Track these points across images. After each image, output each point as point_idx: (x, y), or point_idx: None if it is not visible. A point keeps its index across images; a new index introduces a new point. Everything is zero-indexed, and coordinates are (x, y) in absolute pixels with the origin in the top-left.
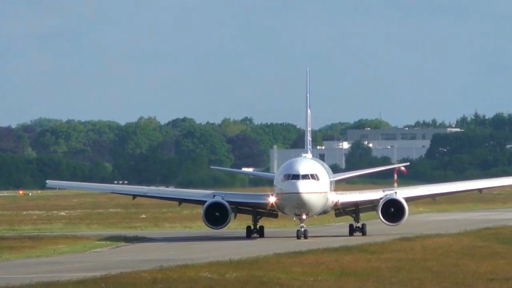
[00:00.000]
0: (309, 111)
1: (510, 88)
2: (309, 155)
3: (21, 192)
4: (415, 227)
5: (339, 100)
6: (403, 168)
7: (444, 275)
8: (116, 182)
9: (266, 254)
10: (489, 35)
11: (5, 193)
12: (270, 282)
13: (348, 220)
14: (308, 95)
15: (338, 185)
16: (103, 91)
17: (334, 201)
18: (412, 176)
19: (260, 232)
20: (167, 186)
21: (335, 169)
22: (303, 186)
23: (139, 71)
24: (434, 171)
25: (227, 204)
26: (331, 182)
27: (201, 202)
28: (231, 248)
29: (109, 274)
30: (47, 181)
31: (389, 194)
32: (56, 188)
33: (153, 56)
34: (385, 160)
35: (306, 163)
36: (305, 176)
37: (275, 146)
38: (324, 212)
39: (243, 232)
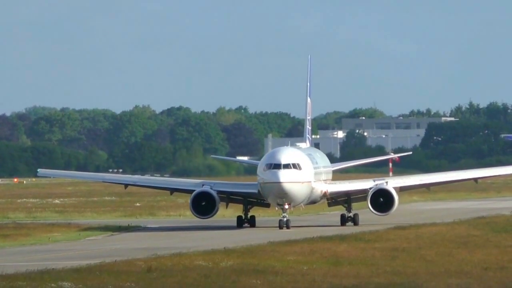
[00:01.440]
0: (309, 99)
1: (504, 78)
2: (303, 144)
3: (15, 180)
4: (409, 216)
5: (334, 89)
6: (396, 157)
7: (439, 264)
8: (110, 170)
9: (261, 243)
10: (483, 24)
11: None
12: (265, 270)
13: (342, 209)
14: (308, 84)
15: (337, 175)
16: (98, 80)
17: (323, 191)
18: (406, 165)
19: (251, 222)
20: (161, 175)
21: (329, 158)
22: (284, 176)
23: (134, 60)
24: (429, 160)
25: (214, 194)
26: (324, 172)
27: (191, 191)
28: (225, 236)
29: (103, 262)
30: (38, 170)
31: (379, 184)
32: (51, 177)
33: (148, 45)
34: (380, 149)
35: (288, 153)
36: (286, 166)
37: (270, 135)
38: (313, 202)
39: (234, 221)
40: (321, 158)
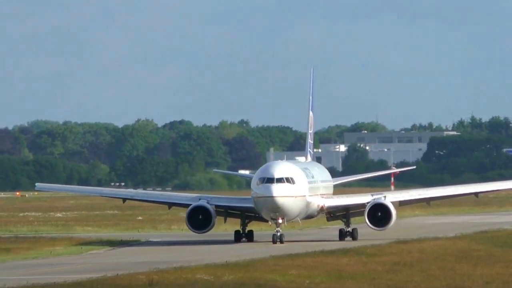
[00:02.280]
0: (311, 113)
1: (507, 92)
2: (302, 158)
3: (18, 193)
4: (411, 230)
5: (336, 103)
6: (397, 171)
7: (441, 278)
8: (112, 184)
9: (262, 256)
10: (485, 38)
11: (2, 194)
12: (267, 284)
13: (342, 224)
14: (310, 97)
15: (339, 189)
16: (100, 93)
17: (320, 205)
18: (408, 179)
19: (249, 237)
20: (163, 189)
21: (331, 172)
22: (276, 190)
23: (137, 73)
24: (431, 175)
25: (210, 208)
26: (321, 186)
27: (187, 206)
28: (226, 250)
29: (105, 276)
30: (36, 184)
31: (376, 198)
32: (48, 191)
33: (150, 58)
34: (382, 163)
35: (282, 167)
36: (279, 180)
37: (271, 149)
38: (310, 216)
39: (233, 235)
40: (320, 172)
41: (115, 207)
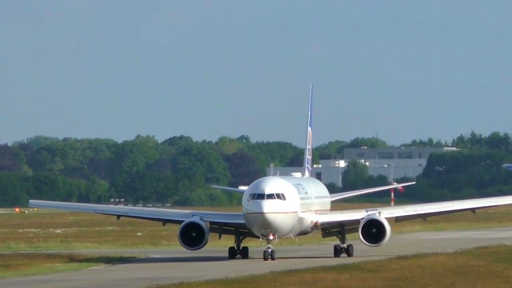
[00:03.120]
0: (309, 129)
1: (506, 108)
2: (298, 174)
3: (17, 209)
4: (411, 246)
5: (336, 119)
6: (400, 187)
7: None
8: (112, 200)
9: (262, 272)
10: (485, 54)
11: (1, 210)
12: None
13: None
14: (309, 113)
15: (338, 204)
16: (100, 109)
17: (314, 221)
18: (408, 195)
19: (244, 253)
20: (163, 204)
21: (331, 187)
22: (267, 206)
23: (136, 89)
24: (431, 190)
25: (203, 224)
26: (316, 202)
27: (181, 222)
28: (226, 266)
29: None
30: (30, 201)
31: (371, 214)
32: (42, 208)
33: (150, 74)
34: (382, 179)
35: (272, 183)
36: (270, 196)
37: (271, 165)
38: (304, 232)
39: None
40: (315, 188)
41: (114, 223)
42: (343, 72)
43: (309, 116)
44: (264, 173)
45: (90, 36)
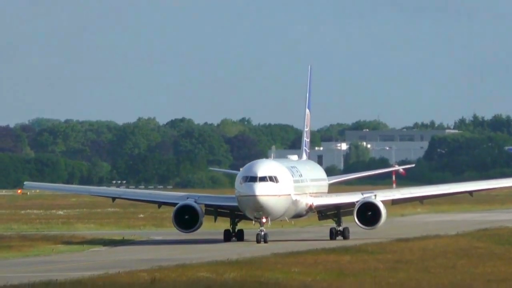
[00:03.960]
0: (307, 111)
1: (509, 90)
2: (295, 157)
3: (19, 191)
4: (413, 228)
5: (338, 101)
6: (401, 170)
7: (442, 276)
8: (114, 182)
9: (264, 254)
10: (488, 36)
11: (3, 192)
12: (268, 282)
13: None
14: (308, 95)
15: (338, 187)
16: (101, 91)
17: (309, 204)
18: (410, 177)
19: (239, 236)
20: (165, 187)
21: (332, 170)
22: (259, 189)
23: (138, 71)
24: (433, 173)
25: (197, 207)
26: (311, 185)
27: (175, 205)
28: (228, 248)
29: (107, 273)
30: (24, 183)
31: (366, 197)
32: (37, 190)
33: (152, 57)
34: (383, 162)
35: (265, 165)
36: (262, 178)
37: (273, 147)
38: (299, 215)
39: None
40: (311, 171)
41: (116, 205)
42: (345, 55)
43: (307, 98)
44: (266, 156)
45: (92, 18)
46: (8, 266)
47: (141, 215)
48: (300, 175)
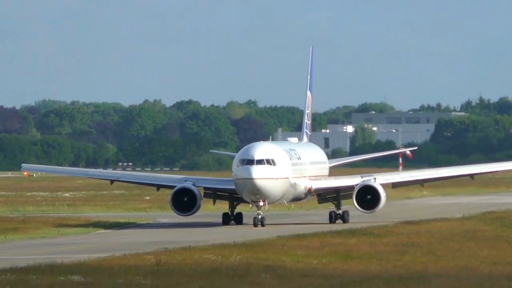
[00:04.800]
0: (309, 93)
1: None
2: (294, 139)
3: (25, 173)
4: (419, 211)
5: (344, 83)
6: (408, 152)
7: (448, 259)
8: (120, 164)
9: (270, 237)
10: (494, 18)
11: (9, 174)
12: (274, 264)
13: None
14: (309, 76)
15: (341, 169)
16: (107, 73)
17: (307, 187)
18: (416, 160)
19: (238, 219)
20: (171, 169)
21: (339, 152)
22: (256, 172)
23: (144, 53)
24: (439, 155)
25: (196, 190)
26: (310, 168)
27: (173, 187)
28: (233, 230)
29: (113, 255)
30: (22, 165)
31: (365, 180)
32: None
33: (158, 38)
34: (390, 144)
35: (262, 148)
36: (260, 161)
37: (279, 129)
38: (298, 198)
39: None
40: (310, 153)
41: (122, 187)
42: (352, 37)
43: (308, 80)
44: (272, 138)
45: (98, 0)
46: (14, 248)
47: (147, 197)
48: (299, 158)
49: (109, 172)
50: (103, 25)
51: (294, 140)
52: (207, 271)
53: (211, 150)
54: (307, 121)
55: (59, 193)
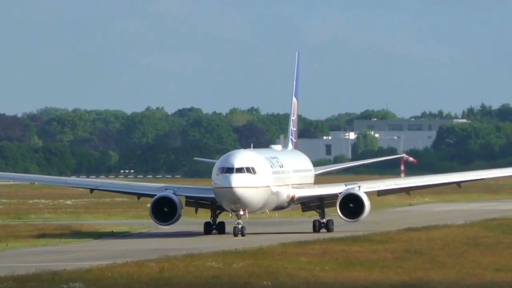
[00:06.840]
0: (294, 99)
1: None
2: (278, 147)
3: None
4: (421, 218)
5: (346, 91)
6: (411, 159)
7: (450, 266)
8: (122, 171)
9: (271, 244)
10: (496, 25)
11: (11, 181)
12: (276, 272)
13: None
14: (295, 82)
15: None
16: (110, 81)
17: (290, 196)
18: (418, 167)
19: (220, 229)
20: (173, 176)
21: (340, 159)
22: (236, 180)
23: (147, 61)
24: (441, 162)
25: (176, 199)
26: (294, 176)
27: (154, 196)
28: (235, 238)
29: (115, 263)
30: None
31: (349, 188)
32: (10, 180)
33: (160, 46)
34: (392, 151)
35: (242, 156)
36: (239, 170)
37: (281, 136)
38: (281, 207)
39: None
40: (294, 161)
41: (124, 195)
42: (354, 45)
43: (294, 86)
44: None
45: (100, 8)
46: (16, 256)
47: (149, 205)
48: (281, 166)
49: (88, 180)
50: (105, 33)
51: (278, 147)
52: (209, 278)
53: (194, 158)
54: (292, 127)
55: (61, 200)
